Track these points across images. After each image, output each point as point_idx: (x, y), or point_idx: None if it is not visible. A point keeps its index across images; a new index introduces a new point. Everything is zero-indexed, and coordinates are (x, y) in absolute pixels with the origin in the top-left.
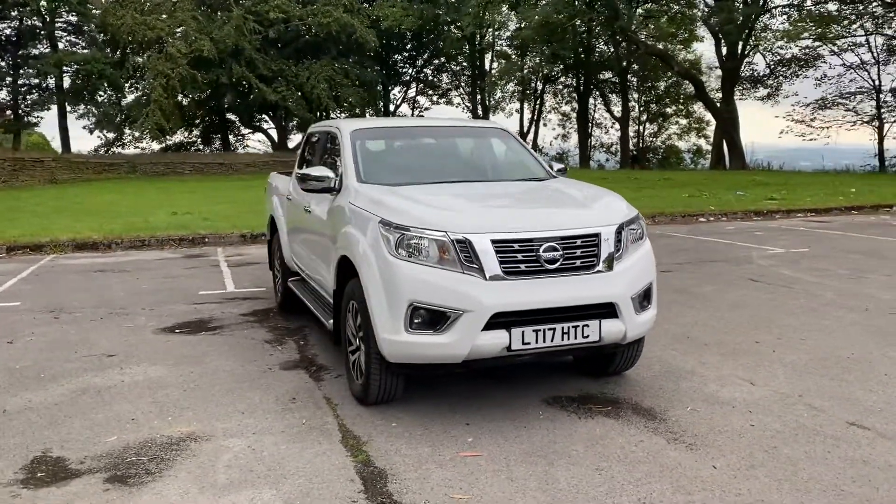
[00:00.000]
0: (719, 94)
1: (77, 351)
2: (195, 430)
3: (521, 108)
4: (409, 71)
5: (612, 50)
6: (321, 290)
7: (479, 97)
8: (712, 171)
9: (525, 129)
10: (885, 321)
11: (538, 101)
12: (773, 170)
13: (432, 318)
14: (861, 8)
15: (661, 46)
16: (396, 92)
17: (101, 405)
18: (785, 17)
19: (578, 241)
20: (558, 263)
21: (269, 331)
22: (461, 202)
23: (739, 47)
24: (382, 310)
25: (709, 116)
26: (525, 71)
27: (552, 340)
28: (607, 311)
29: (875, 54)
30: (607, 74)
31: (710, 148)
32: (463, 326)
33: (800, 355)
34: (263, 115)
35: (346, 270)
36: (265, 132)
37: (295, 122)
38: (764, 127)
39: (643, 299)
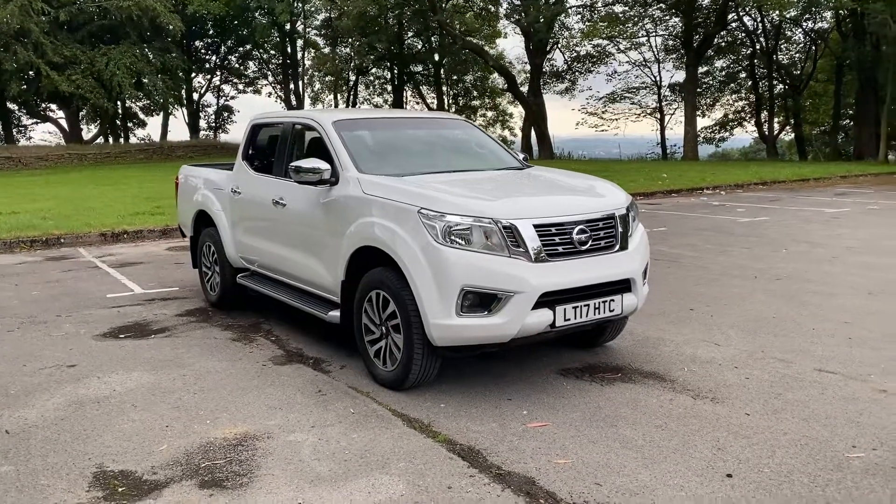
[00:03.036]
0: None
1: (26, 364)
2: (248, 430)
3: (335, 99)
4: (213, 58)
5: (424, 43)
6: (302, 285)
7: (291, 86)
8: None
9: None
10: (776, 286)
11: (352, 93)
12: (578, 159)
13: (482, 301)
14: (642, 11)
15: (477, 41)
16: (201, 80)
17: (114, 416)
18: (579, 16)
19: (600, 224)
20: (588, 245)
21: (225, 329)
22: (485, 191)
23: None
24: (432, 296)
25: (512, 109)
26: (336, 61)
27: (586, 316)
28: (625, 286)
29: (655, 53)
30: (418, 67)
31: (514, 139)
32: (514, 307)
33: (734, 318)
34: (52, 105)
35: (362, 261)
36: (56, 122)
37: (86, 113)
38: (562, 119)
39: (644, 274)
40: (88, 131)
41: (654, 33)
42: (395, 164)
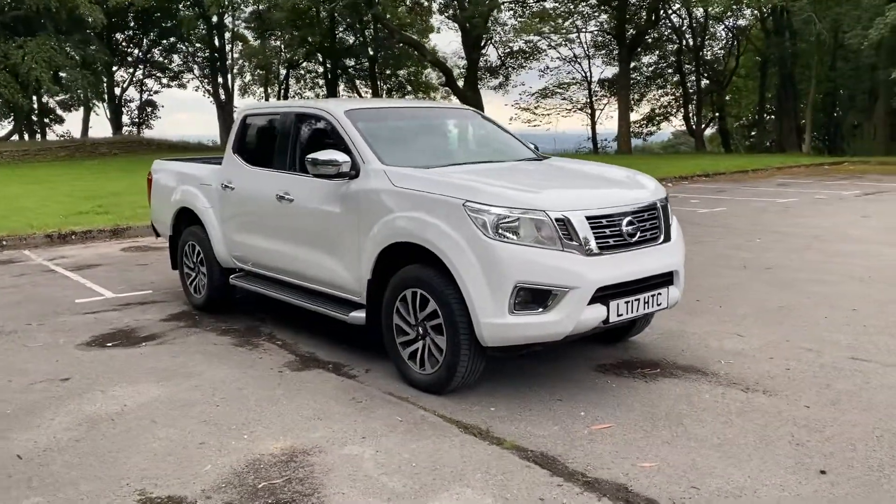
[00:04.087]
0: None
1: (12, 380)
2: (293, 444)
3: (266, 93)
4: (136, 52)
5: (357, 37)
6: (312, 285)
7: (220, 80)
8: None
9: None
10: (768, 275)
11: (283, 87)
12: None
13: (535, 298)
14: (572, 7)
15: (415, 36)
16: (123, 74)
17: (137, 434)
18: (511, 12)
19: (645, 215)
20: (636, 237)
21: (221, 334)
22: (525, 182)
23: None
24: (483, 294)
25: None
26: (267, 53)
27: (637, 310)
28: (669, 278)
29: (585, 49)
30: (351, 61)
31: None
32: (569, 303)
33: (743, 309)
34: None
35: (389, 258)
36: None
37: None
38: (497, 115)
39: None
40: (1, 128)
41: (584, 29)
42: (416, 156)
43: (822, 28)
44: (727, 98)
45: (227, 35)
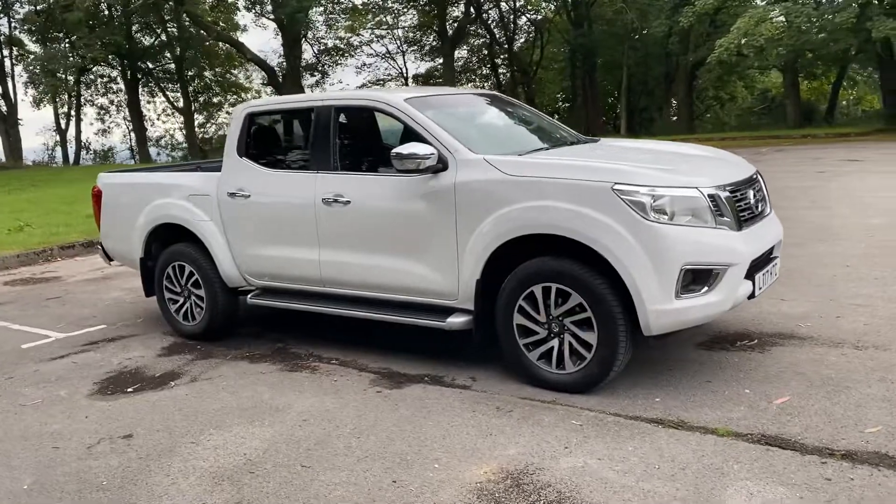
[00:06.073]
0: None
1: (59, 446)
2: (502, 466)
3: (54, 100)
4: None
5: (158, 37)
6: (380, 294)
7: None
8: None
9: (63, 126)
10: None
11: (74, 94)
12: None
13: (697, 279)
14: (382, 3)
15: (227, 33)
16: None
17: (302, 484)
18: (322, 8)
19: (756, 187)
20: (759, 209)
21: (254, 361)
22: (650, 161)
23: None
24: (649, 280)
25: None
26: (57, 57)
27: (767, 282)
28: (777, 248)
29: (398, 45)
30: (150, 63)
31: None
32: (729, 281)
33: None
34: None
35: (502, 256)
36: None
37: None
38: None
39: None
40: None
41: (395, 26)
42: (496, 143)
43: (634, 17)
44: (533, 87)
45: (1, 38)
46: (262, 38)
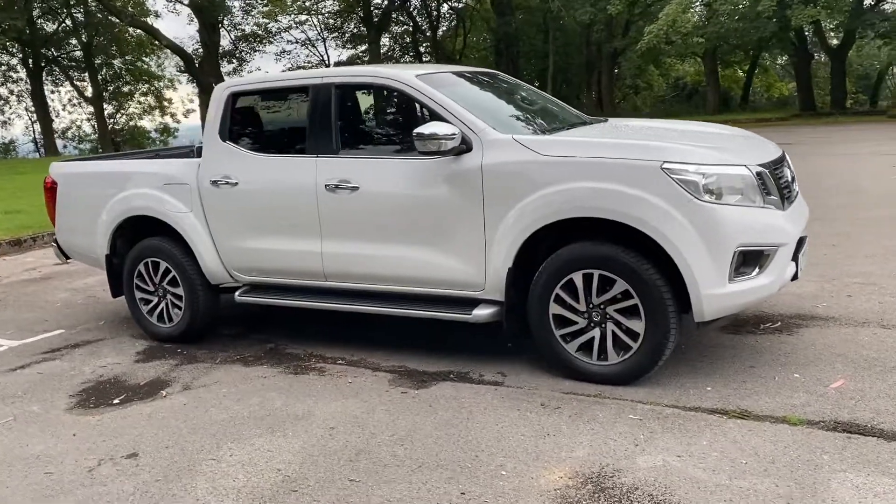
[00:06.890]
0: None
1: (50, 472)
2: (576, 469)
3: None
4: None
5: (62, 23)
6: (395, 286)
7: None
8: None
9: None
10: None
11: None
12: None
13: (748, 261)
14: None
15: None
16: None
17: (347, 492)
18: None
19: (786, 165)
20: (793, 189)
21: (249, 365)
22: (692, 140)
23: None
24: (704, 264)
25: (171, 94)
26: None
27: (804, 263)
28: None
29: (318, 31)
30: (55, 50)
31: (177, 125)
32: (779, 261)
33: None
34: None
35: (537, 242)
36: None
37: None
38: None
39: None
40: None
41: (317, 12)
42: (518, 122)
43: (559, 4)
44: None
45: None
46: (175, 24)
